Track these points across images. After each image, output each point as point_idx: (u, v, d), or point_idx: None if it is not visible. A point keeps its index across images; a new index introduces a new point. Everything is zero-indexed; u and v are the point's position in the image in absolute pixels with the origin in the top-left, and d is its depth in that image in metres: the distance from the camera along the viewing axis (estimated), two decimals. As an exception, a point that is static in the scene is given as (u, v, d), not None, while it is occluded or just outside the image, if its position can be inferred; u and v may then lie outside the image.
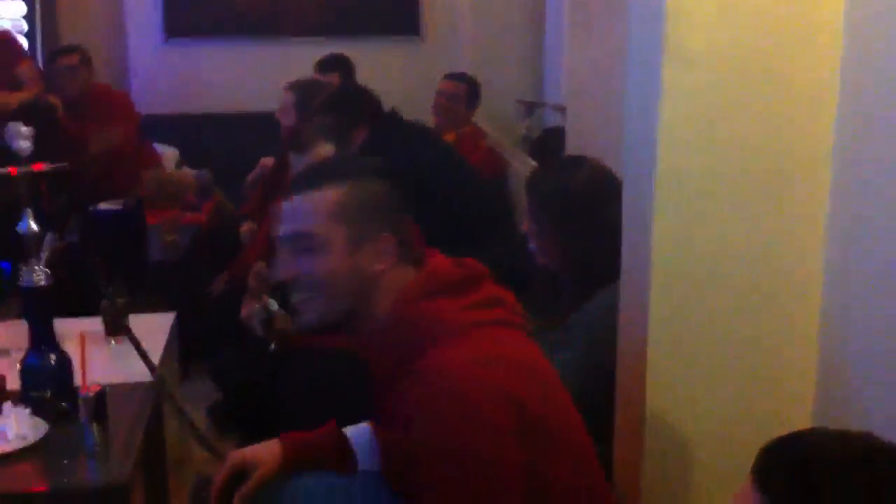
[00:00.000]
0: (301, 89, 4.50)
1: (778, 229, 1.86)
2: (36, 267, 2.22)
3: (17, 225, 2.25)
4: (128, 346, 2.39)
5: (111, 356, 2.53)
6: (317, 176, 1.78)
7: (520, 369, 1.63)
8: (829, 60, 1.80)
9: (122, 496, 1.96)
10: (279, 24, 6.38)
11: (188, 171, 5.36)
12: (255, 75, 6.08)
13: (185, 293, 3.97)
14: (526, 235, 2.47)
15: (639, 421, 1.95)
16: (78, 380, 2.10)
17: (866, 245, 1.74)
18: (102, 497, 1.98)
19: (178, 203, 4.72)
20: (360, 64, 5.28)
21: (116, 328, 2.60)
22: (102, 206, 4.06)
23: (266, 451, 2.03)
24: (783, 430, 1.20)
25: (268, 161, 4.75)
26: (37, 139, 2.33)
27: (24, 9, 6.06)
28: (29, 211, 2.32)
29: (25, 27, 6.08)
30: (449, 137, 4.76)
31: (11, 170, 2.23)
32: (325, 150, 3.06)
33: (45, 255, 2.27)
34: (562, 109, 5.63)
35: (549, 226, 2.37)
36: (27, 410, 2.10)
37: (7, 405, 2.11)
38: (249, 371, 3.17)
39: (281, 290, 1.81)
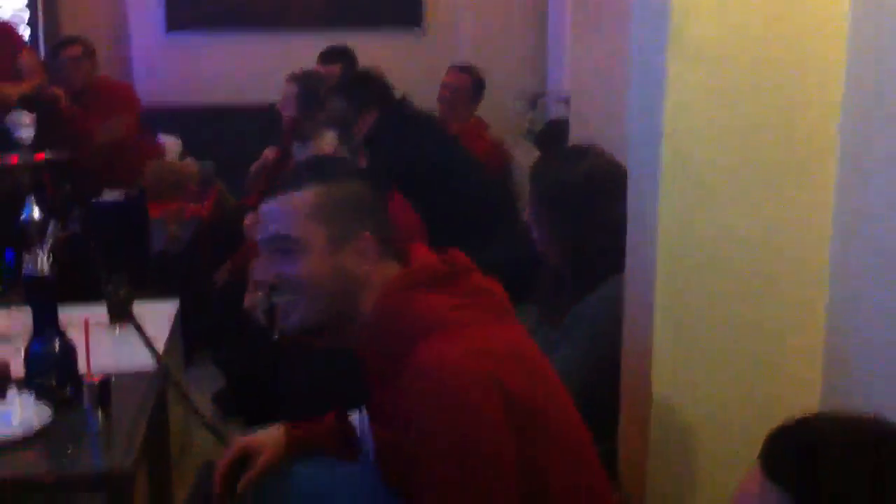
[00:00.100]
0: (302, 81, 4.51)
1: (784, 218, 1.85)
2: (39, 255, 2.22)
3: (19, 214, 2.25)
4: (132, 334, 2.40)
5: (115, 343, 2.53)
6: (294, 178, 1.77)
7: (509, 360, 1.62)
8: (834, 51, 1.80)
9: (126, 483, 1.96)
10: (281, 15, 6.36)
11: (191, 161, 5.36)
12: (257, 67, 6.06)
13: (187, 284, 3.97)
14: (528, 226, 2.46)
15: (644, 410, 1.95)
16: (82, 367, 2.10)
17: (872, 233, 1.74)
18: (106, 484, 1.98)
19: (181, 193, 4.72)
20: (362, 55, 5.26)
21: (121, 315, 2.60)
22: (105, 196, 4.06)
23: (270, 438, 2.03)
24: (791, 413, 1.19)
25: (270, 152, 4.75)
26: (39, 130, 2.34)
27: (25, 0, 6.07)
28: (32, 199, 2.32)
29: (27, 18, 6.07)
30: (452, 129, 4.76)
31: (13, 158, 2.24)
32: (329, 139, 3.05)
33: (48, 243, 2.27)
34: (565, 101, 5.62)
35: (547, 216, 2.36)
36: (31, 397, 2.10)
37: (12, 392, 2.11)
38: (253, 360, 3.18)
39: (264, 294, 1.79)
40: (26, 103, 3.65)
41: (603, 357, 2.16)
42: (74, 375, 2.15)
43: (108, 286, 2.63)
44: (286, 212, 1.72)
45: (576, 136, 4.19)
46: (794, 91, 1.82)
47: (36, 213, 2.36)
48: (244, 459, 2.01)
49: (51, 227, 2.40)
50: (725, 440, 1.90)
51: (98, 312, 2.59)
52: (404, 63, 5.80)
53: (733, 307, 1.89)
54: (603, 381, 2.14)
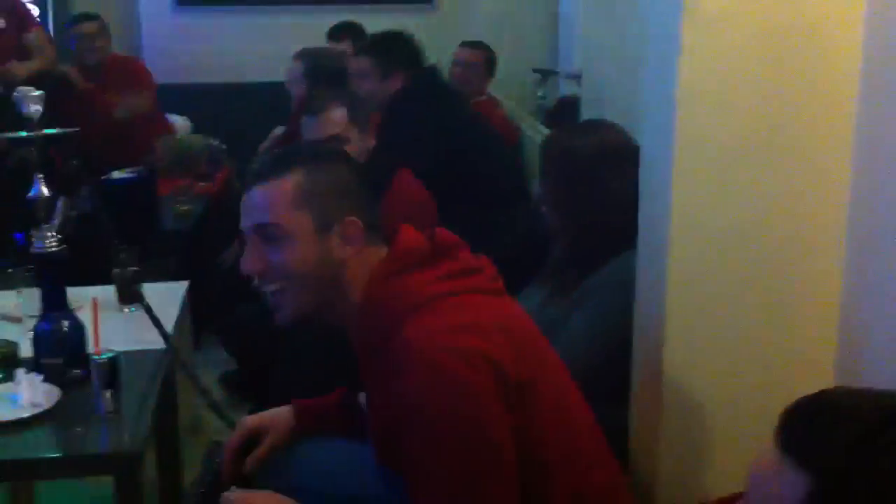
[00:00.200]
0: (309, 57, 4.48)
1: (800, 192, 1.82)
2: (48, 232, 2.21)
3: (27, 191, 2.24)
4: (141, 314, 2.39)
5: (124, 323, 2.52)
6: (275, 165, 1.74)
7: (497, 333, 1.61)
8: (853, 20, 1.76)
9: (135, 463, 1.95)
10: (292, -9, 6.34)
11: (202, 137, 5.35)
12: (267, 44, 6.03)
13: (196, 262, 3.97)
14: (538, 202, 2.44)
15: (655, 390, 1.93)
16: (91, 346, 2.10)
17: (891, 208, 1.71)
18: (115, 464, 1.97)
19: (193, 170, 4.71)
20: (372, 32, 5.23)
21: (130, 296, 2.59)
22: (115, 174, 4.05)
23: (278, 417, 2.04)
24: (804, 393, 1.17)
25: (278, 131, 4.73)
26: (49, 106, 2.32)
27: (35, -24, 6.05)
28: (41, 177, 2.31)
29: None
30: (465, 106, 4.73)
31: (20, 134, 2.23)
32: (338, 116, 3.01)
33: (57, 220, 2.27)
34: (577, 78, 5.59)
35: (555, 188, 2.34)
36: (40, 377, 2.10)
37: (20, 372, 2.11)
38: (259, 341, 3.17)
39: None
40: (36, 81, 3.63)
41: (611, 331, 2.15)
42: (83, 355, 2.14)
43: (118, 263, 2.62)
44: (270, 199, 1.70)
45: (587, 114, 4.16)
46: (811, 60, 1.78)
47: (44, 190, 2.35)
48: (252, 439, 2.01)
49: (60, 205, 2.39)
50: (737, 420, 1.89)
51: (107, 293, 2.59)
52: (415, 39, 5.75)
53: (747, 285, 1.86)
54: (611, 356, 2.13)
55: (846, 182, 1.82)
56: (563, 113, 5.29)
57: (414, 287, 1.66)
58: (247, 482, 1.95)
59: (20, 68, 4.60)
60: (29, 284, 2.49)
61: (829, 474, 1.07)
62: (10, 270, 2.66)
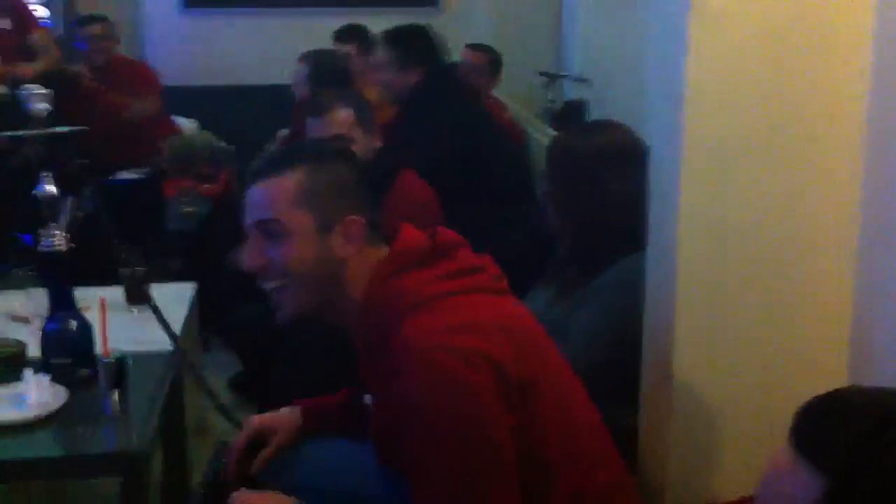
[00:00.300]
0: (314, 59, 4.49)
1: (810, 191, 1.81)
2: (55, 232, 2.20)
3: (32, 189, 2.24)
4: (149, 315, 2.39)
5: (132, 324, 2.52)
6: (277, 162, 1.75)
7: (496, 333, 1.61)
8: (862, 17, 1.75)
9: (142, 463, 1.95)
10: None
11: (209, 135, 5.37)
12: (272, 46, 6.04)
13: (200, 263, 3.97)
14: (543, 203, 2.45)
15: (665, 391, 1.93)
16: (99, 347, 2.09)
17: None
18: (122, 464, 1.97)
19: (197, 167, 4.72)
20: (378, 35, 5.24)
21: (138, 297, 2.59)
22: (120, 175, 4.06)
23: (284, 418, 2.04)
24: (816, 392, 1.17)
25: (285, 132, 4.73)
26: (56, 105, 2.32)
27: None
28: (48, 175, 2.30)
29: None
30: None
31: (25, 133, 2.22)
32: (342, 116, 3.01)
33: (64, 221, 2.26)
34: (583, 81, 5.59)
35: (554, 185, 2.34)
36: (48, 378, 2.10)
37: (28, 372, 2.10)
38: (262, 339, 3.17)
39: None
40: (44, 80, 3.64)
41: (612, 329, 2.15)
42: (91, 355, 2.14)
43: (124, 264, 2.62)
44: (272, 196, 1.70)
45: (595, 116, 4.16)
46: (821, 58, 1.77)
47: (49, 189, 2.34)
48: (259, 439, 2.01)
49: (67, 205, 2.39)
50: (748, 421, 1.87)
51: (115, 294, 2.59)
52: (420, 42, 5.74)
53: (757, 284, 1.85)
54: (612, 355, 2.13)
55: (859, 176, 1.80)
56: (569, 116, 5.29)
57: (413, 287, 1.66)
58: (253, 482, 1.95)
59: (27, 68, 4.61)
60: (34, 285, 2.49)
61: (839, 473, 1.06)
62: (14, 271, 2.66)
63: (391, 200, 2.69)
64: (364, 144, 2.99)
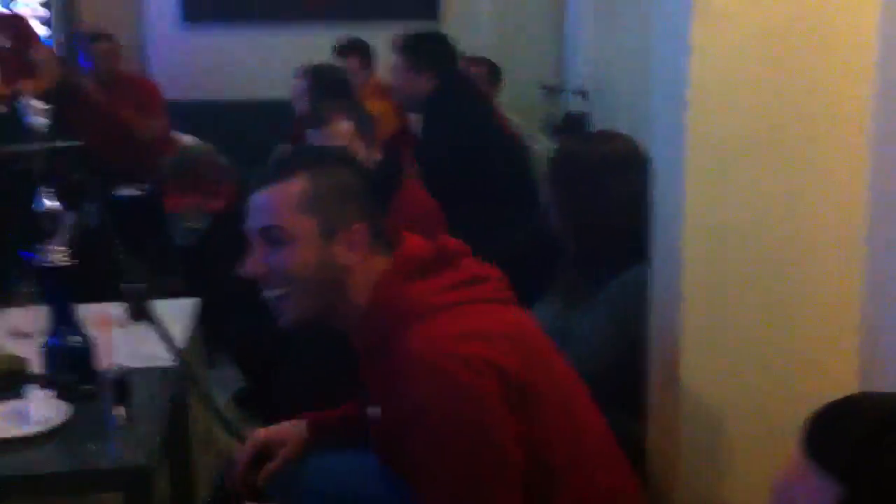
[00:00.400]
0: (312, 74, 4.49)
1: (815, 193, 1.80)
2: (58, 247, 2.20)
3: (32, 203, 2.23)
4: (152, 331, 2.37)
5: (135, 340, 2.50)
6: (281, 168, 1.74)
7: (501, 341, 1.61)
8: (864, 17, 1.75)
9: (146, 478, 1.94)
10: (298, 8, 6.36)
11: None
12: (274, 61, 6.04)
13: (203, 278, 3.95)
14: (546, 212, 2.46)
15: (673, 397, 1.92)
16: (101, 363, 2.08)
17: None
18: (125, 479, 1.96)
19: (199, 176, 4.71)
20: (378, 48, 5.24)
21: (140, 313, 2.58)
22: (122, 191, 4.05)
23: (290, 431, 2.03)
24: (821, 393, 1.16)
25: (285, 148, 4.72)
26: (59, 119, 2.32)
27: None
28: (52, 190, 2.30)
29: (44, 12, 6.09)
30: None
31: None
32: (343, 128, 3.00)
33: (65, 236, 2.25)
34: (583, 94, 5.59)
35: (559, 189, 2.35)
36: (51, 393, 2.09)
37: (30, 387, 2.09)
38: (264, 350, 3.16)
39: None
40: (45, 96, 3.65)
41: (618, 336, 2.15)
42: (93, 370, 2.13)
43: (126, 279, 2.61)
44: (275, 202, 1.69)
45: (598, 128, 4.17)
46: (825, 58, 1.77)
47: (49, 203, 2.34)
48: (265, 452, 2.00)
49: (69, 220, 2.38)
50: (756, 426, 1.87)
51: (117, 310, 2.58)
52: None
53: (763, 287, 1.84)
54: (617, 361, 2.13)
55: (864, 177, 1.79)
56: (570, 129, 5.29)
57: (416, 297, 1.66)
58: (260, 495, 1.94)
59: (29, 85, 4.61)
60: (36, 301, 2.48)
61: (846, 476, 1.05)
62: (15, 288, 2.65)
63: (394, 209, 2.68)
64: (366, 157, 2.99)
